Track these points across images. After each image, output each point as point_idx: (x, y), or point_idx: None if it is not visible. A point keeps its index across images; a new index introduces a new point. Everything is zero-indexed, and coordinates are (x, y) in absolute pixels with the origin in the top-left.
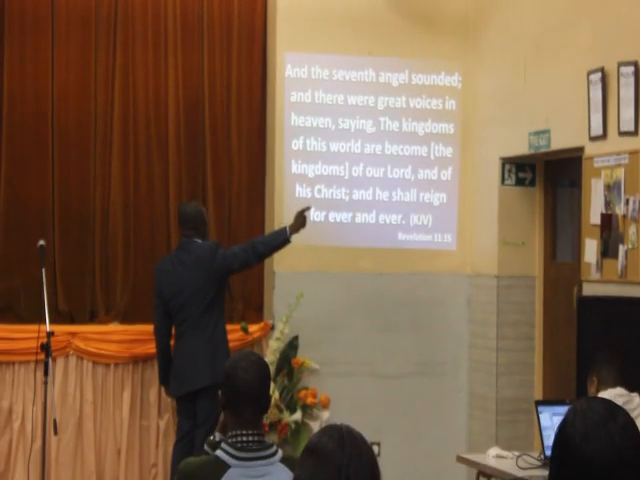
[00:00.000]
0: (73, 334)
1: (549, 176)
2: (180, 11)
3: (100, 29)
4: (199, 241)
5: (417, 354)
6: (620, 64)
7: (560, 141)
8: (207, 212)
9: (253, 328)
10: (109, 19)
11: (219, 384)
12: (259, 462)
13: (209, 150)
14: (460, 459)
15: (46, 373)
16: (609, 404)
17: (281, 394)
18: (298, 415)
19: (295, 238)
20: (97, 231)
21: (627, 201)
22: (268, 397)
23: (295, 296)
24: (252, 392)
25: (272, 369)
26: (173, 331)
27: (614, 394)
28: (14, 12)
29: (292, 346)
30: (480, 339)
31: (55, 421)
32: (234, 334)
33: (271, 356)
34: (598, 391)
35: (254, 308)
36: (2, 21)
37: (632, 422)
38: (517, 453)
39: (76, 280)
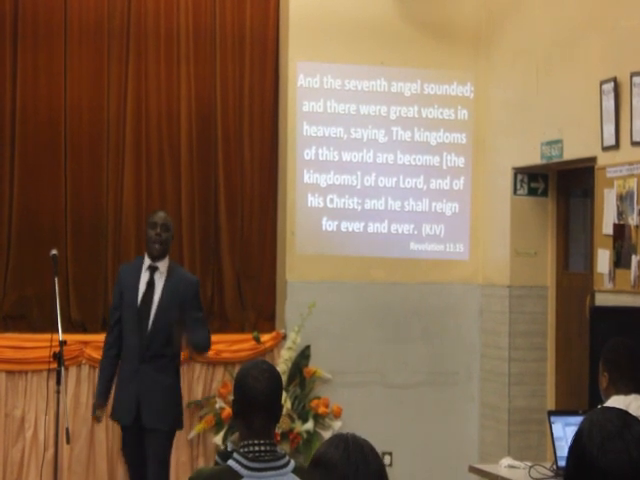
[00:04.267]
0: (85, 343)
1: (561, 186)
2: (192, 22)
3: (113, 40)
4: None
5: (429, 364)
6: (633, 74)
7: (572, 151)
8: (218, 219)
9: (265, 337)
10: (122, 30)
11: None
12: (271, 472)
13: (221, 160)
14: (472, 469)
15: (58, 382)
16: (624, 414)
17: (293, 403)
18: (310, 425)
19: (308, 248)
20: (109, 240)
21: None
22: (280, 406)
23: (307, 305)
24: (263, 401)
25: (284, 378)
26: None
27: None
28: (27, 22)
29: (304, 355)
30: (492, 349)
31: (67, 430)
32: (246, 343)
33: (283, 365)
34: (607, 387)
35: (266, 318)
36: (15, 31)
37: None
38: (529, 463)
39: (89, 289)
